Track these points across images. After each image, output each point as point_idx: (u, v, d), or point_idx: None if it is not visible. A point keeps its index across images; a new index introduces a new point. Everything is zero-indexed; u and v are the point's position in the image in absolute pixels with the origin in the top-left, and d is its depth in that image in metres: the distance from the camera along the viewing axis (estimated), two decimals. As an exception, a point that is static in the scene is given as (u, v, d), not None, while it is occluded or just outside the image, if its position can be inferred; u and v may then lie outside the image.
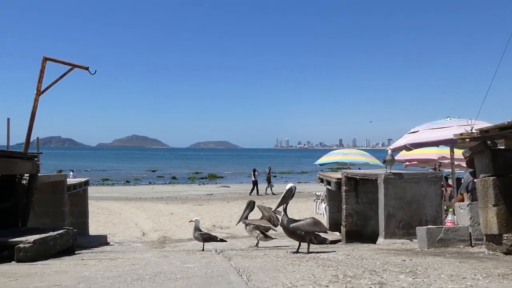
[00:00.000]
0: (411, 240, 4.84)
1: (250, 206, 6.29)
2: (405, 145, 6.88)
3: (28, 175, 4.41)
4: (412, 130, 7.43)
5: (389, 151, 4.90)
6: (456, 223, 3.98)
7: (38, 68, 4.91)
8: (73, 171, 31.03)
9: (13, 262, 3.42)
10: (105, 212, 14.13)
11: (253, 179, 25.14)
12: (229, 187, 33.30)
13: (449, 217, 4.08)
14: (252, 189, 25.04)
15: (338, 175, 6.69)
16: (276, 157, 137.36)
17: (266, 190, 24.49)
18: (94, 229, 10.41)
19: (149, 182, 40.36)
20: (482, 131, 3.26)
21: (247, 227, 6.08)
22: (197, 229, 4.82)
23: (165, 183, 39.94)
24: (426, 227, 4.03)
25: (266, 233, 6.05)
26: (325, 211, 11.21)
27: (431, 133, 6.87)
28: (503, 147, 3.49)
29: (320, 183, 7.66)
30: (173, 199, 20.86)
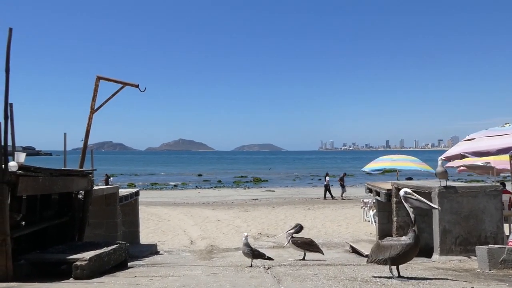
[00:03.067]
0: (469, 257, 4.58)
1: (297, 228, 6.24)
2: (461, 153, 6.55)
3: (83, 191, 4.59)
4: (468, 137, 7.06)
5: (440, 162, 4.66)
6: (520, 243, 3.72)
7: (88, 85, 5.13)
8: (110, 176, 32.20)
9: (70, 279, 3.56)
10: (154, 218, 14.51)
11: (324, 183, 24.84)
12: (274, 191, 33.28)
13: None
14: (325, 194, 24.82)
15: (388, 185, 6.47)
16: (321, 160, 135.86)
17: (342, 195, 24.06)
18: (144, 236, 10.71)
19: (196, 187, 41.15)
20: None
21: (294, 244, 6.04)
22: (246, 245, 4.82)
23: (211, 187, 40.57)
24: (487, 247, 3.78)
25: (311, 250, 5.99)
26: (373, 219, 10.89)
27: (489, 141, 6.49)
28: None
29: (369, 193, 7.45)
30: (219, 204, 21.11)
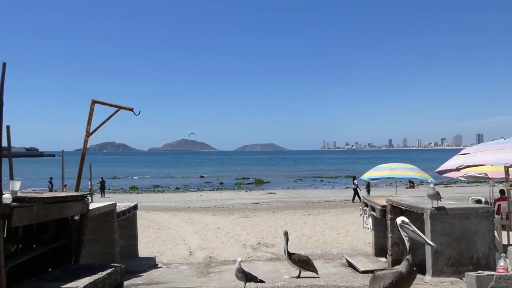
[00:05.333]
0: (461, 279, 4.61)
1: (286, 238, 6.31)
2: (456, 168, 6.60)
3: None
4: (463, 151, 7.11)
5: (431, 185, 4.70)
6: (509, 270, 3.76)
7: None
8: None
9: (65, 307, 3.63)
10: (154, 226, 14.58)
11: (353, 186, 24.81)
12: (275, 194, 33.34)
13: (501, 262, 3.85)
14: (354, 197, 24.90)
15: (383, 201, 6.52)
16: (323, 160, 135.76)
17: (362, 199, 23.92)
18: (144, 246, 10.78)
19: (198, 189, 41.29)
20: None
21: (290, 261, 6.09)
22: (239, 270, 4.88)
23: (213, 189, 40.69)
24: (476, 274, 3.81)
25: (307, 268, 6.04)
26: (372, 227, 10.94)
27: (484, 156, 6.54)
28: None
29: (365, 207, 7.50)
30: (220, 209, 21.17)
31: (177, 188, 42.98)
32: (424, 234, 5.07)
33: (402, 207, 5.75)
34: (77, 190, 5.17)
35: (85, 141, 5.21)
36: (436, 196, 4.76)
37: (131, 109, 5.44)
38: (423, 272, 5.53)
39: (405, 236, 4.02)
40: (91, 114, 5.20)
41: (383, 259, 6.92)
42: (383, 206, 6.38)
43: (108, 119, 5.38)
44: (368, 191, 22.47)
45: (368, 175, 12.83)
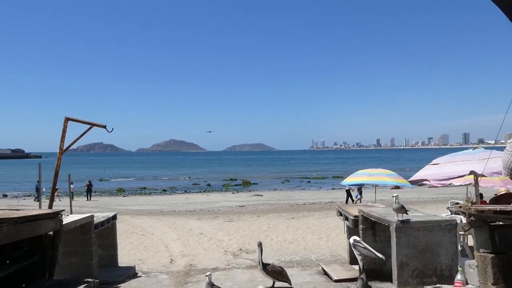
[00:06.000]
0: (426, 289, 4.79)
1: (260, 249, 6.42)
2: (426, 179, 6.78)
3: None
4: (434, 162, 7.31)
5: (395, 199, 4.87)
6: (465, 283, 3.93)
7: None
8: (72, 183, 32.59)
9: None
10: (138, 231, 14.60)
11: (346, 188, 24.94)
12: (262, 195, 33.51)
13: (458, 276, 4.01)
14: (347, 199, 25.13)
15: (356, 211, 6.67)
16: (311, 160, 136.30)
17: (356, 201, 23.98)
18: (126, 253, 10.82)
19: (185, 191, 41.28)
20: (478, 210, 3.24)
21: (264, 271, 6.21)
22: (209, 284, 4.97)
23: (200, 191, 40.71)
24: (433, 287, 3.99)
25: (280, 279, 6.16)
26: (347, 235, 11.12)
27: (453, 167, 6.74)
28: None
29: (339, 216, 7.66)
30: (205, 213, 21.24)
31: (164, 190, 42.93)
32: (391, 247, 5.25)
33: (372, 219, 5.91)
34: (50, 206, 5.22)
35: (59, 158, 5.26)
36: (401, 209, 4.92)
37: (104, 126, 5.50)
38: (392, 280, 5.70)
39: (358, 255, 4.16)
40: (64, 132, 5.25)
41: (357, 266, 7.08)
42: (355, 216, 6.53)
43: (81, 136, 5.44)
44: (360, 193, 22.63)
45: (347, 180, 13.02)
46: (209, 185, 48.53)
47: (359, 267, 4.10)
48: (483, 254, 3.37)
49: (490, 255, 3.27)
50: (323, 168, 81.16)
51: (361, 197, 22.40)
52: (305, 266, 8.51)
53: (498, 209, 3.11)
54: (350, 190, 24.47)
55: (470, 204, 3.62)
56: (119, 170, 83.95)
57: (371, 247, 6.45)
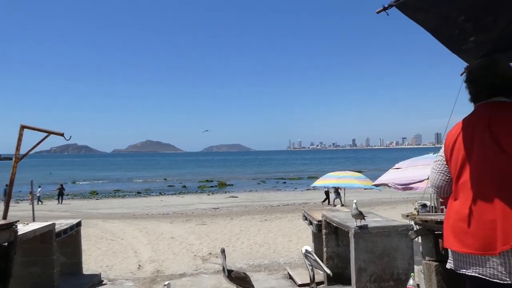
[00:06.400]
0: (383, 294, 4.89)
1: (223, 254, 6.41)
2: (387, 184, 6.92)
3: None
4: (396, 166, 7.46)
5: (354, 205, 4.95)
6: (417, 288, 4.02)
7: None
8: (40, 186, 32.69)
9: None
10: (108, 236, 14.38)
11: (325, 189, 24.90)
12: (237, 197, 33.46)
13: (410, 281, 4.12)
14: (325, 199, 25.15)
15: (320, 215, 6.75)
16: (288, 161, 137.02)
17: (334, 201, 23.94)
18: (94, 259, 10.65)
19: (160, 193, 40.84)
20: (422, 220, 3.34)
21: (228, 278, 6.19)
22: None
23: (175, 193, 40.37)
24: (387, 293, 4.09)
25: (244, 286, 6.17)
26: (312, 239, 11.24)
27: (414, 172, 6.90)
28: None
29: (305, 221, 7.73)
30: (178, 216, 21.08)
31: (138, 192, 42.36)
32: (350, 253, 5.33)
33: (333, 224, 6.00)
34: (5, 217, 5.09)
35: (14, 167, 5.13)
36: (359, 215, 5.01)
37: (62, 134, 5.39)
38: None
39: (308, 265, 4.21)
40: (20, 140, 5.11)
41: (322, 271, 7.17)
42: (318, 221, 6.61)
43: (37, 144, 5.30)
44: (338, 194, 22.80)
45: (318, 183, 13.17)
46: (184, 187, 48.19)
47: (310, 277, 4.16)
48: (428, 262, 3.46)
49: (434, 263, 3.37)
50: (299, 169, 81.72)
51: (339, 197, 22.71)
52: (272, 270, 8.56)
53: (439, 220, 3.21)
54: (329, 192, 24.72)
55: (416, 213, 3.72)
56: (93, 172, 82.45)
57: (334, 251, 6.55)
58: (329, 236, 6.37)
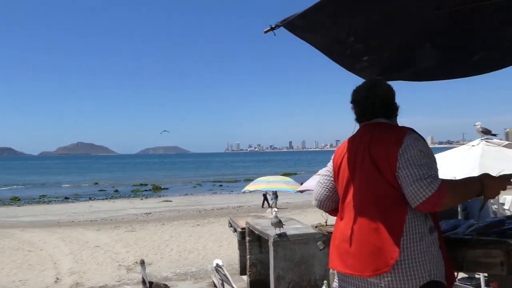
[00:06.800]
0: (301, 300, 4.95)
1: (143, 265, 6.20)
2: (311, 189, 7.04)
3: None
4: (319, 172, 7.63)
5: (274, 213, 4.98)
6: (329, 295, 4.10)
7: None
8: None
9: None
10: (25, 247, 13.41)
11: (263, 192, 24.53)
12: (171, 201, 32.73)
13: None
14: (263, 203, 24.89)
15: (244, 223, 6.73)
16: (226, 163, 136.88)
17: (272, 204, 23.63)
18: (6, 273, 9.89)
19: (89, 198, 38.96)
20: (328, 232, 3.41)
21: None
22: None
23: (106, 198, 38.67)
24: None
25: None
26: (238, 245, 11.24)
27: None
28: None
29: (230, 228, 7.69)
30: (107, 222, 20.20)
31: (66, 198, 40.06)
32: (269, 261, 5.34)
33: (256, 232, 5.99)
34: None
35: None
36: (278, 224, 5.04)
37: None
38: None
39: (219, 279, 4.15)
40: None
41: (246, 277, 7.14)
42: (242, 228, 6.58)
43: None
44: (276, 197, 22.90)
45: (248, 187, 13.23)
46: (116, 191, 46.37)
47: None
48: (333, 271, 3.52)
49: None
50: (236, 171, 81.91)
51: (277, 201, 22.90)
52: (198, 278, 8.41)
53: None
54: (267, 194, 24.89)
55: (325, 224, 3.78)
56: (15, 176, 76.80)
57: (257, 258, 6.54)
58: (252, 243, 6.35)
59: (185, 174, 77.75)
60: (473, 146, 6.41)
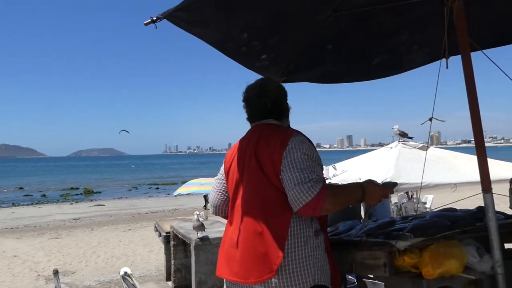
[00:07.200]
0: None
1: (57, 276, 5.83)
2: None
3: None
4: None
5: (195, 217, 4.86)
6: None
7: None
8: None
9: None
10: None
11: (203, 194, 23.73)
12: (104, 205, 31.36)
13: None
14: (205, 205, 24.15)
15: (169, 226, 6.53)
16: (163, 165, 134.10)
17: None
18: None
19: (12, 204, 36.25)
20: None
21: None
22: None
23: (32, 204, 36.16)
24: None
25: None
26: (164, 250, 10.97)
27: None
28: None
29: (155, 232, 7.45)
30: (29, 230, 18.89)
31: (-16, 205, 36.97)
32: (191, 266, 5.20)
33: (179, 236, 5.82)
34: None
35: None
36: (200, 227, 4.92)
37: None
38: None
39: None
40: None
41: (171, 283, 6.95)
42: (167, 232, 6.39)
43: None
44: (206, 200, 22.57)
45: (180, 190, 12.90)
46: (44, 196, 43.56)
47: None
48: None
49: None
50: (174, 174, 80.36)
51: (207, 203, 22.48)
52: (122, 286, 8.04)
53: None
54: (207, 196, 24.48)
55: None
56: None
57: (182, 263, 6.37)
58: (177, 247, 6.18)
59: (120, 177, 75.00)
60: (391, 148, 6.72)
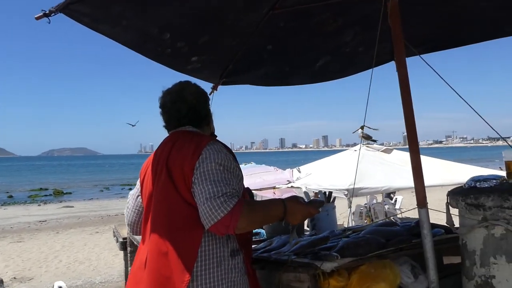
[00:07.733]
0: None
1: (2, 285, 5.52)
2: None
3: None
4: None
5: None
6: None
7: None
8: None
9: None
10: None
11: None
12: (73, 207, 30.55)
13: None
14: None
15: (126, 232, 6.29)
16: (138, 166, 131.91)
17: None
18: None
19: (-25, 205, 34.94)
20: None
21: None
22: None
23: (-3, 205, 35.01)
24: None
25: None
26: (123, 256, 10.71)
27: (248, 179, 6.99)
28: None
29: (114, 237, 7.19)
30: (-9, 233, 18.16)
31: None
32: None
33: (135, 242, 5.60)
34: None
35: None
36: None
37: None
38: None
39: None
40: None
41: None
42: (124, 238, 6.15)
43: None
44: None
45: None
46: (11, 196, 42.17)
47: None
48: None
49: None
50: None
51: None
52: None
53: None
54: None
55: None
56: None
57: (140, 269, 6.14)
58: (133, 254, 5.92)
59: (92, 178, 73.37)
60: (355, 150, 6.69)
